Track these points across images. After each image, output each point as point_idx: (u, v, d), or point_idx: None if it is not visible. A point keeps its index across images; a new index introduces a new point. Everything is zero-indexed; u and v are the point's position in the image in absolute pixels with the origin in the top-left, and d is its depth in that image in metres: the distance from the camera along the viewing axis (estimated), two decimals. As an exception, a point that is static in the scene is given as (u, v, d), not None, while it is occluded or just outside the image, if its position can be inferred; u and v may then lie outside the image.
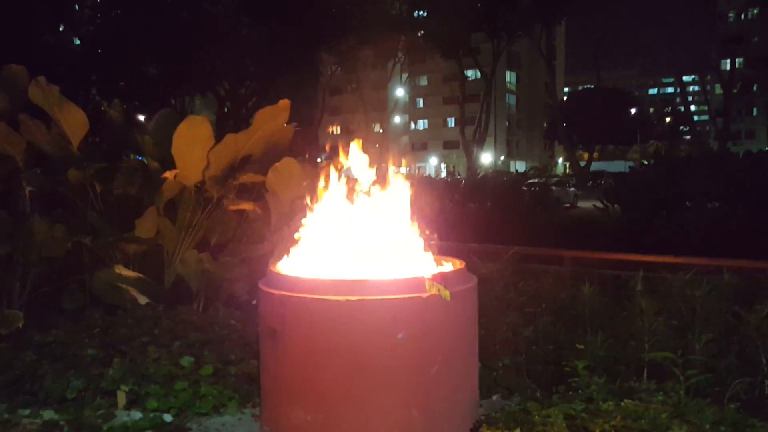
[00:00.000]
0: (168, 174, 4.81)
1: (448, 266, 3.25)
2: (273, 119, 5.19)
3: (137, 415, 3.63)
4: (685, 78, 46.20)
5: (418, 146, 61.39)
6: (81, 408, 3.66)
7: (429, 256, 3.25)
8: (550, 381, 3.74)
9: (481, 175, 26.33)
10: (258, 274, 5.09)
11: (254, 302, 5.32)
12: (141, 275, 4.94)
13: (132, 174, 4.91)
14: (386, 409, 2.88)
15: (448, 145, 57.72)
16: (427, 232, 3.28)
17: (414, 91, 65.14)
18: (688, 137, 58.79)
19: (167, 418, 3.63)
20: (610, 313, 3.82)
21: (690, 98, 50.68)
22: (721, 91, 42.56)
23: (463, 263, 3.25)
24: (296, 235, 3.49)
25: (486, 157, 50.68)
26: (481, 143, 43.89)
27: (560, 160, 65.80)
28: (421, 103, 67.54)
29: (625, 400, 2.59)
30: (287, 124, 5.44)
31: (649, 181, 16.05)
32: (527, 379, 3.80)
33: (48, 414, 3.60)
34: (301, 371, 2.95)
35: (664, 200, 14.98)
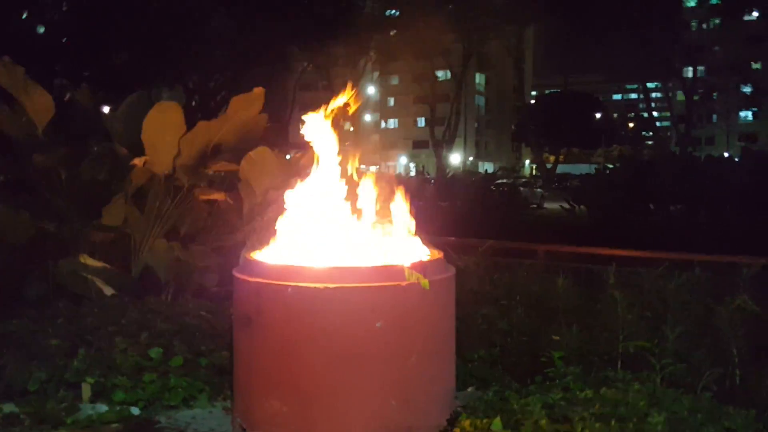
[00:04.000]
0: (137, 161, 4.68)
1: (427, 256, 3.22)
2: (247, 107, 5.09)
3: (103, 407, 3.51)
4: (648, 84, 47.21)
5: (389, 145, 61.48)
6: (43, 401, 3.51)
7: (408, 246, 3.21)
8: (525, 372, 3.73)
9: (450, 174, 26.50)
10: (230, 265, 5.00)
11: (225, 293, 5.23)
12: (107, 265, 4.80)
13: (100, 160, 4.76)
14: (364, 398, 2.84)
15: (418, 145, 57.91)
16: (406, 221, 3.24)
17: (385, 90, 65.17)
18: (650, 142, 60.11)
19: (134, 411, 3.51)
20: (584, 306, 3.84)
21: (653, 104, 51.80)
22: (684, 98, 43.59)
23: (441, 253, 3.22)
24: (273, 224, 3.42)
25: (455, 158, 50.98)
26: (450, 143, 44.16)
27: (527, 162, 66.61)
28: (392, 102, 67.62)
29: (603, 389, 2.59)
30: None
31: (614, 183, 16.37)
32: (502, 370, 3.79)
33: (8, 407, 3.45)
34: (276, 360, 2.89)
35: (629, 201, 15.28)
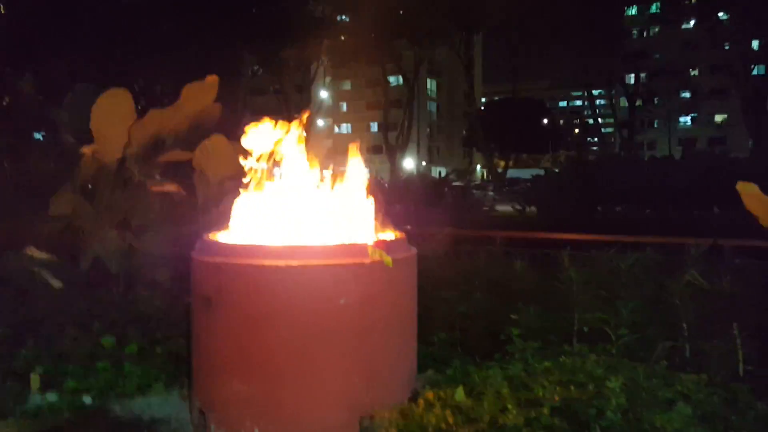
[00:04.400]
0: (86, 149, 4.54)
1: (389, 235, 3.22)
2: (200, 96, 5.01)
3: (53, 397, 3.38)
4: (593, 91, 48.73)
5: (342, 150, 61.13)
6: (-11, 392, 3.37)
7: (369, 226, 3.20)
8: (486, 354, 3.77)
9: (404, 178, 26.59)
10: (183, 259, 4.91)
11: (177, 289, 5.11)
12: (55, 257, 4.63)
13: (46, 150, 4.59)
14: (328, 376, 2.81)
15: (371, 150, 58.03)
16: (367, 201, 3.23)
17: (338, 95, 65.00)
18: (595, 148, 61.90)
19: (87, 400, 3.39)
20: (541, 287, 3.91)
21: (598, 111, 53.45)
22: (626, 104, 45.02)
23: (403, 233, 3.23)
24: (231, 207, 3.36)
25: (408, 162, 51.25)
26: (403, 148, 44.34)
27: (478, 167, 67.57)
28: (344, 107, 67.54)
29: (562, 358, 2.64)
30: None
31: (563, 184, 16.77)
32: (462, 353, 3.82)
33: (-50, 399, 3.30)
34: (238, 341, 2.83)
35: (577, 202, 15.68)
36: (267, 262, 2.79)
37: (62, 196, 4.46)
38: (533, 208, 17.24)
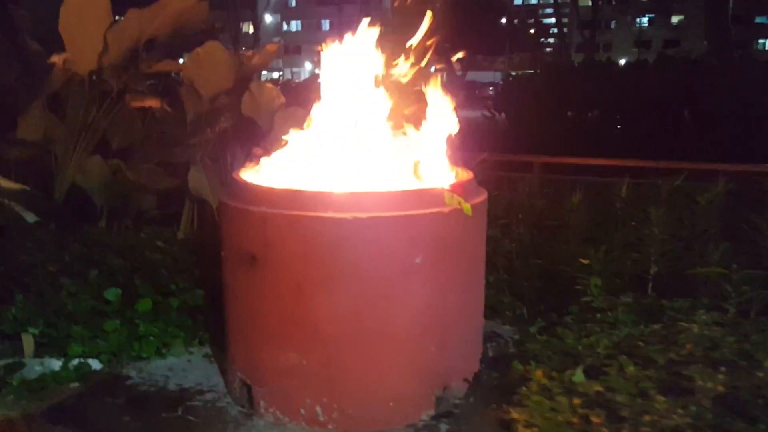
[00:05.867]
0: (56, 58, 3.78)
1: (455, 175, 2.72)
2: (186, -7, 4.21)
3: (54, 363, 2.87)
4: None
5: (292, 49, 58.46)
6: (-25, 359, 2.83)
7: (431, 163, 2.68)
8: (537, 299, 3.44)
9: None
10: (179, 189, 4.29)
11: (163, 218, 4.53)
12: (26, 187, 3.96)
13: (7, 59, 3.79)
14: (398, 344, 2.40)
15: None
16: (431, 133, 2.70)
17: (285, -11, 61.29)
18: (549, 49, 60.87)
19: (95, 365, 2.90)
20: (599, 222, 3.53)
21: (552, 10, 52.18)
22: (590, 2, 43.86)
23: (471, 172, 2.74)
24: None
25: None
26: (358, 48, 42.51)
27: (432, 68, 65.97)
28: (293, 2, 63.77)
29: (692, 325, 2.27)
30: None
31: (535, 90, 16.27)
32: (513, 298, 3.47)
33: (-73, 370, 2.75)
34: (292, 305, 2.36)
35: (549, 108, 15.28)
36: (329, 214, 2.27)
37: (31, 115, 3.73)
38: (503, 115, 16.77)
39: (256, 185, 2.46)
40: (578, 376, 2.03)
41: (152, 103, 4.52)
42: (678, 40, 54.51)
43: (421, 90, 2.65)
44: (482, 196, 2.63)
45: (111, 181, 3.95)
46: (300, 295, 2.34)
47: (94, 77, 4.10)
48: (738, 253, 2.90)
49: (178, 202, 4.43)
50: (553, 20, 54.67)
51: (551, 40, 61.78)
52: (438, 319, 2.45)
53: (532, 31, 74.55)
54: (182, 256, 3.40)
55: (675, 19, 58.17)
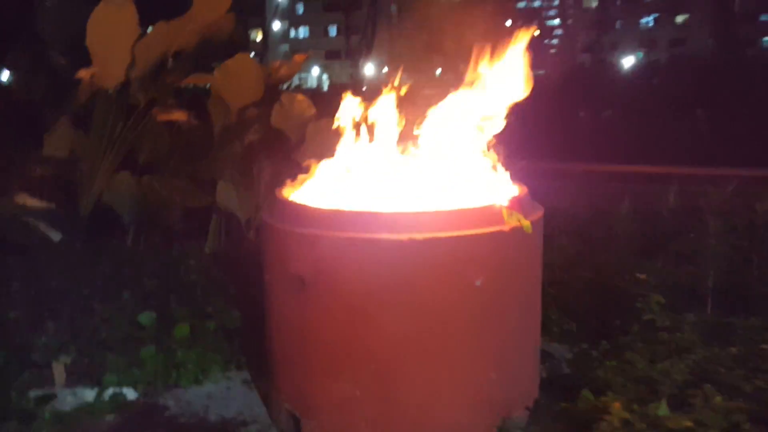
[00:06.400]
0: (84, 73, 3.67)
1: (511, 190, 2.58)
2: (214, 4, 4.10)
3: (88, 393, 2.75)
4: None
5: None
6: (5, 389, 2.70)
7: (484, 177, 2.54)
8: (587, 314, 3.29)
9: (365, 89, 25.39)
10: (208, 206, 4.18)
11: (188, 231, 4.42)
12: (52, 204, 3.86)
13: (33, 74, 3.69)
14: (457, 372, 2.26)
15: (330, 56, 55.44)
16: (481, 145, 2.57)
17: (293, -4, 61.29)
18: (553, 51, 60.77)
19: (130, 394, 2.78)
20: (648, 233, 3.37)
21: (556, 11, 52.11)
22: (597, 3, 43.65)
23: (525, 187, 2.60)
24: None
25: (369, 69, 49.37)
26: (368, 53, 42.45)
27: (439, 70, 66.07)
28: (300, 9, 63.77)
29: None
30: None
31: (553, 88, 16.10)
32: (559, 312, 3.31)
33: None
34: (343, 332, 2.23)
35: (561, 107, 15.12)
36: (383, 236, 2.14)
37: (59, 132, 3.62)
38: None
39: (304, 205, 2.33)
40: (662, 409, 1.89)
41: (179, 116, 4.41)
42: (684, 39, 54.16)
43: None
44: (539, 212, 2.49)
45: (140, 197, 3.83)
46: (353, 321, 2.21)
47: (120, 91, 4.01)
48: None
49: (203, 215, 4.33)
50: (557, 21, 54.47)
51: (554, 42, 61.69)
52: (497, 344, 2.31)
53: (537, 32, 74.63)
54: (216, 274, 3.27)
55: (680, 18, 57.74)
